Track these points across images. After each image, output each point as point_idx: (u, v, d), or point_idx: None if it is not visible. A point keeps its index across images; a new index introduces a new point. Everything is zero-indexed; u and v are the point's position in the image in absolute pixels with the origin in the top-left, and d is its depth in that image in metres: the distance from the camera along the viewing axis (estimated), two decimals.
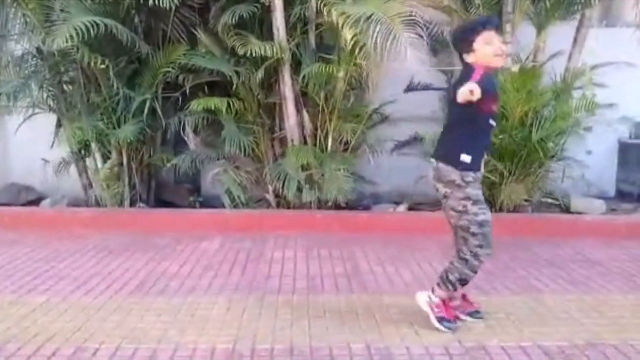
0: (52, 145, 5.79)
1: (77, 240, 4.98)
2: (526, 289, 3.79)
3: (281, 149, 5.84)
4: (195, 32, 5.33)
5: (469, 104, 2.63)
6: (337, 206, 5.65)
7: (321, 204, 5.63)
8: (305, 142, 5.68)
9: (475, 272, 3.00)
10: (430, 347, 2.84)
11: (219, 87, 5.57)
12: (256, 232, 5.24)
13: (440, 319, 3.04)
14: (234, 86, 5.24)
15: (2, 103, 5.58)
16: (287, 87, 5.47)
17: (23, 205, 6.20)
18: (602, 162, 6.48)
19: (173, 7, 4.78)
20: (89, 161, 5.73)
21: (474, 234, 2.89)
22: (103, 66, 4.96)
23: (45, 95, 5.54)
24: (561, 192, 5.87)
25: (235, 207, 5.59)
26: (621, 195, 6.51)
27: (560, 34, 5.68)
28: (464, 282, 3.02)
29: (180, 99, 5.52)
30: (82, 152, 5.61)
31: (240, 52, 4.98)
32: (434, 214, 5.58)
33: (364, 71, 5.50)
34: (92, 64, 4.94)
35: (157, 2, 4.44)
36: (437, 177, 2.95)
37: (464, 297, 3.22)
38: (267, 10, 5.26)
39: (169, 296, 3.61)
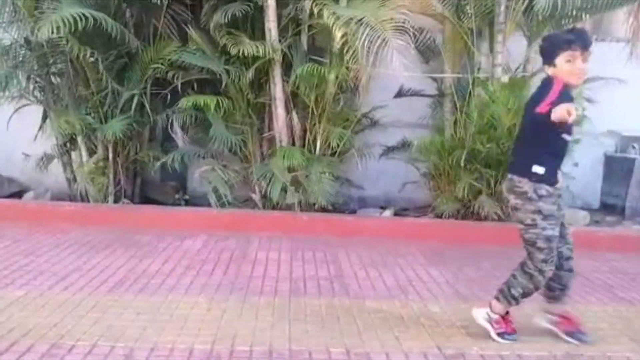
0: (36, 138, 5.70)
1: (58, 234, 4.91)
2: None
3: (269, 149, 5.82)
4: (187, 29, 5.29)
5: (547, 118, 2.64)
6: (323, 209, 5.64)
7: (308, 206, 5.61)
8: (294, 144, 5.67)
9: (538, 288, 2.98)
10: (409, 353, 2.83)
11: (209, 85, 5.54)
12: (241, 232, 5.21)
13: (501, 334, 3.04)
14: (224, 85, 5.20)
15: None
16: (277, 88, 5.45)
17: (5, 197, 6.11)
18: (587, 174, 6.54)
19: (165, 3, 4.73)
20: (74, 155, 5.66)
21: (540, 249, 2.85)
22: (92, 59, 4.91)
23: (32, 86, 5.46)
24: None
25: (221, 206, 5.56)
26: (605, 208, 6.57)
27: None
28: (526, 296, 3.00)
29: (169, 95, 5.47)
30: (68, 145, 5.54)
31: (233, 51, 4.96)
32: (419, 220, 5.61)
33: (354, 75, 5.51)
34: (81, 56, 4.89)
35: None
36: (509, 189, 2.96)
37: (564, 315, 3.13)
38: (260, 9, 5.25)
39: (148, 294, 3.56)
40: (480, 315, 3.10)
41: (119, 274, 3.92)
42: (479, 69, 5.66)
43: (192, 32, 5.22)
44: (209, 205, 5.76)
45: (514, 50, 5.72)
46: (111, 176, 5.53)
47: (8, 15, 5.39)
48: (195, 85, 5.54)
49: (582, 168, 6.34)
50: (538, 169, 2.81)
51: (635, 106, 6.31)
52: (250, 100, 5.50)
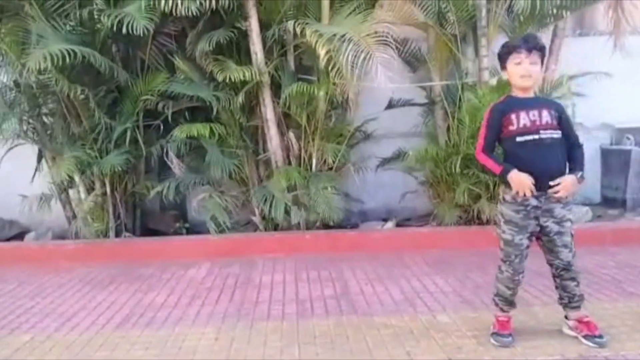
0: (33, 178, 5.70)
1: (62, 274, 4.90)
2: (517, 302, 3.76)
3: (266, 171, 5.83)
4: (173, 59, 5.32)
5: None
6: (324, 226, 5.63)
7: (309, 225, 5.60)
8: (290, 163, 5.68)
9: (509, 289, 3.06)
10: None
11: (201, 112, 5.56)
12: (244, 256, 5.20)
13: (493, 334, 3.12)
14: (215, 111, 5.22)
15: None
16: (268, 110, 5.47)
17: (7, 239, 6.10)
18: (586, 169, 6.48)
19: (150, 35, 4.77)
20: (72, 192, 5.66)
21: (500, 248, 3.03)
22: (82, 96, 4.93)
23: (25, 127, 5.48)
24: None
25: (221, 232, 5.55)
26: (606, 202, 6.56)
27: None
28: (500, 297, 3.10)
29: (161, 126, 5.49)
30: (65, 183, 5.54)
31: (219, 78, 4.98)
32: (421, 229, 5.60)
33: (343, 90, 5.53)
34: (71, 94, 4.91)
35: (131, 30, 4.40)
36: None
37: (580, 320, 3.12)
38: (244, 34, 5.28)
39: (155, 328, 3.54)
40: None
41: (125, 310, 3.90)
42: (466, 74, 5.69)
43: (179, 62, 5.25)
44: (208, 232, 5.76)
45: None
46: (111, 211, 5.52)
47: None
48: (187, 114, 5.55)
49: None
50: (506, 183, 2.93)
51: (625, 97, 6.34)
52: (243, 124, 5.52)
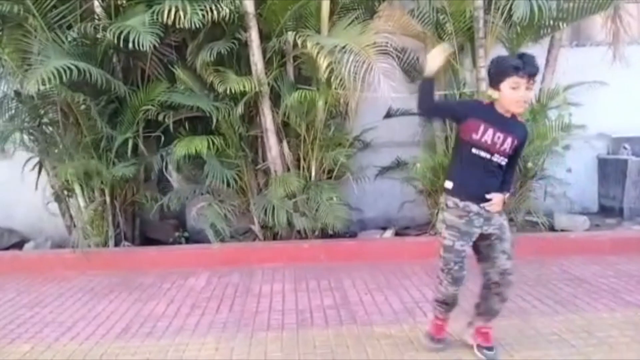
0: (37, 187, 5.71)
1: (61, 283, 4.90)
2: (514, 312, 3.79)
3: (265, 180, 5.84)
4: (174, 70, 5.35)
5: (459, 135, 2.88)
6: (324, 234, 5.65)
7: (307, 233, 5.62)
8: (288, 171, 5.69)
9: (447, 298, 3.04)
10: None
11: (200, 122, 5.58)
12: (243, 266, 5.21)
13: (425, 334, 3.20)
14: (215, 121, 5.24)
15: None
16: (267, 120, 5.50)
17: (6, 248, 6.10)
18: (582, 179, 6.58)
19: (150, 46, 4.79)
20: (71, 202, 5.67)
21: (440, 256, 2.98)
22: (84, 106, 4.96)
23: (25, 137, 5.49)
24: (544, 210, 5.93)
25: (221, 240, 5.57)
26: (604, 211, 6.60)
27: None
28: (438, 302, 3.10)
29: (162, 136, 5.50)
30: (65, 193, 5.56)
31: (220, 89, 5.01)
32: (420, 238, 5.62)
33: (342, 100, 5.57)
34: (73, 104, 4.92)
35: (136, 45, 4.43)
36: None
37: (479, 329, 3.17)
38: (244, 45, 5.32)
39: (156, 338, 3.56)
40: None
41: (125, 319, 3.91)
42: (464, 85, 5.72)
43: (180, 73, 5.27)
44: (209, 241, 5.77)
45: None
46: (110, 220, 5.53)
47: None
48: (187, 124, 5.57)
49: (576, 173, 6.40)
50: (447, 184, 2.97)
51: (621, 107, 6.41)
52: (242, 134, 5.54)
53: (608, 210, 6.53)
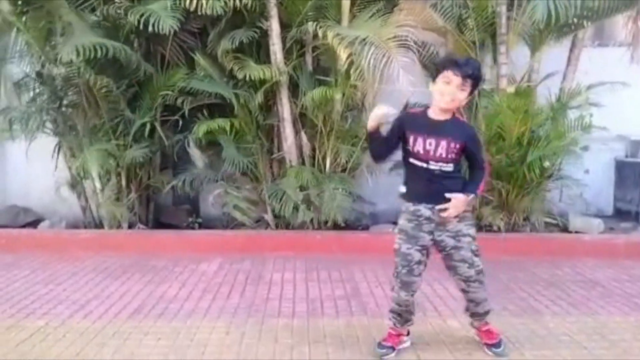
0: (56, 168, 5.78)
1: (75, 262, 4.96)
2: (526, 311, 3.78)
3: (279, 169, 5.86)
4: (194, 56, 5.37)
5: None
6: (336, 226, 5.66)
7: (320, 225, 5.63)
8: (304, 163, 5.71)
9: (399, 306, 3.00)
10: None
11: (218, 109, 5.60)
12: (255, 254, 5.23)
13: (378, 343, 3.08)
14: (234, 109, 5.26)
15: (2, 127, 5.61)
16: (285, 109, 5.51)
17: (22, 227, 6.18)
18: (599, 181, 6.52)
19: (171, 32, 4.82)
20: (87, 183, 5.72)
21: (395, 260, 2.98)
22: (106, 89, 4.99)
23: (45, 118, 5.54)
24: (559, 211, 5.89)
25: (234, 227, 5.61)
26: (619, 214, 6.53)
27: (554, 54, 5.76)
28: (393, 314, 3.05)
29: (180, 121, 5.54)
30: (82, 174, 5.61)
31: (239, 75, 5.02)
32: None
33: (360, 93, 5.56)
34: (96, 86, 4.96)
35: (156, 28, 4.45)
36: None
37: (479, 328, 3.15)
38: (265, 33, 5.32)
39: (168, 320, 3.59)
40: None
41: (138, 300, 3.95)
42: (483, 81, 5.67)
43: (200, 59, 5.29)
44: (222, 227, 5.82)
45: (517, 61, 5.75)
46: (125, 202, 5.58)
47: (19, 51, 5.49)
48: (205, 110, 5.59)
49: (593, 174, 6.33)
50: (402, 188, 2.97)
51: None
52: (260, 122, 5.56)
53: (623, 214, 6.46)
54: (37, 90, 5.49)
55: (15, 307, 3.81)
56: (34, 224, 6.26)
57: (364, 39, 4.67)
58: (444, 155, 2.79)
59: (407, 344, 3.11)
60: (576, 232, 5.70)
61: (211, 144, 5.59)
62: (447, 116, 2.84)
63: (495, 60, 5.60)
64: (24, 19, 5.16)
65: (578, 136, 5.26)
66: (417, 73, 5.34)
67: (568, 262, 4.98)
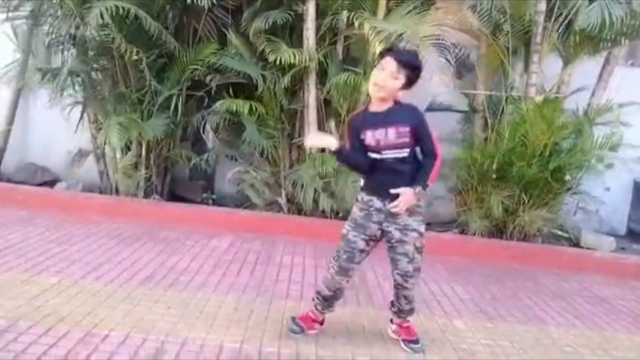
0: (76, 131, 5.84)
1: (89, 225, 5.02)
2: (531, 319, 3.80)
3: (298, 155, 5.87)
4: (227, 33, 5.38)
5: None
6: (346, 217, 5.66)
7: (332, 214, 5.65)
8: (323, 151, 5.72)
9: (329, 290, 3.01)
10: None
11: (243, 89, 5.61)
12: (266, 235, 5.26)
13: (292, 318, 3.16)
14: (260, 90, 5.27)
15: (31, 84, 5.67)
16: (311, 95, 5.51)
17: (38, 185, 6.26)
18: (615, 200, 6.48)
19: (206, 7, 4.83)
20: (107, 149, 5.78)
21: (339, 244, 2.98)
22: (136, 57, 5.02)
23: (74, 81, 5.59)
24: (572, 225, 5.87)
25: (247, 207, 5.64)
26: (632, 235, 6.50)
27: (585, 69, 5.72)
28: (319, 296, 3.08)
29: (206, 97, 5.56)
30: (103, 140, 5.66)
31: (271, 58, 5.02)
32: (443, 234, 5.61)
33: None
34: (127, 53, 4.99)
35: (195, 0, 4.47)
36: None
37: (400, 325, 3.16)
38: (299, 18, 5.32)
39: (178, 290, 3.63)
40: None
41: (149, 268, 4.00)
42: (512, 88, 5.66)
43: (233, 36, 5.30)
44: (235, 205, 5.86)
45: (548, 71, 5.71)
46: (143, 172, 5.63)
47: (54, 12, 5.52)
48: (230, 89, 5.61)
49: (610, 193, 6.29)
50: (361, 182, 2.99)
51: None
52: (284, 106, 5.57)
53: (636, 235, 6.43)
54: (69, 52, 5.51)
55: (29, 262, 3.87)
56: (51, 184, 6.34)
57: (400, 34, 4.66)
58: (394, 141, 2.79)
59: (315, 332, 3.13)
60: (587, 247, 5.68)
61: (234, 124, 5.61)
62: (389, 105, 2.84)
63: (526, 68, 5.56)
64: None
65: (604, 153, 5.22)
66: (450, 73, 5.32)
67: (576, 277, 4.98)
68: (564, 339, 3.48)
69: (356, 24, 4.96)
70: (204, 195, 6.10)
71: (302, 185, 5.41)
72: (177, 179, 6.33)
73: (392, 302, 3.11)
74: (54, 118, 6.21)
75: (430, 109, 6.04)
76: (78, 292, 3.41)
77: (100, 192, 5.96)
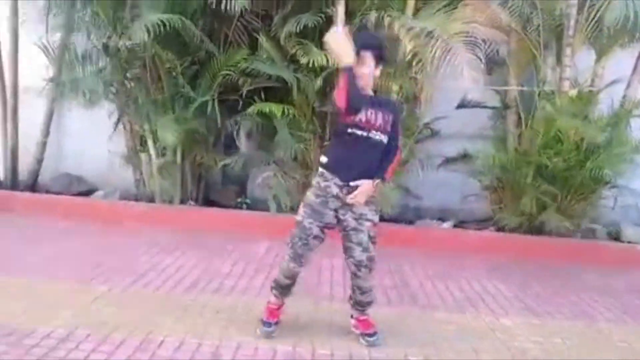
0: (111, 137, 5.93)
1: (130, 234, 5.10)
2: (579, 315, 3.76)
3: None
4: (258, 37, 5.42)
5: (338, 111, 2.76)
6: (380, 218, 5.64)
7: None
8: None
9: (286, 278, 3.01)
10: None
11: (274, 93, 5.64)
12: None
13: (260, 320, 3.08)
14: (292, 93, 5.30)
15: (65, 96, 5.78)
16: None
17: (74, 195, 6.37)
18: None
19: (238, 13, 4.88)
20: (143, 156, 5.86)
21: (290, 231, 2.97)
22: (169, 65, 5.09)
23: (107, 90, 5.69)
24: (611, 220, 5.79)
25: (280, 211, 5.67)
26: None
27: (619, 61, 5.63)
28: (276, 284, 3.07)
29: (240, 102, 5.60)
30: (137, 147, 5.75)
31: (303, 60, 5.04)
32: (482, 232, 5.58)
33: (418, 85, 5.54)
34: (162, 61, 5.06)
35: (227, 6, 4.52)
36: None
37: (358, 318, 3.13)
38: (329, 20, 5.34)
39: (223, 295, 3.67)
40: None
41: (193, 274, 4.05)
42: (544, 82, 5.60)
43: (264, 41, 5.33)
44: (267, 210, 5.89)
45: (581, 64, 5.64)
46: (178, 178, 5.70)
47: (87, 23, 5.63)
48: (262, 93, 5.64)
49: None
50: (322, 159, 2.92)
51: None
52: (315, 108, 5.59)
53: None
54: (102, 62, 5.61)
55: (78, 272, 3.94)
56: (87, 193, 6.45)
57: (430, 32, 4.65)
58: (382, 125, 2.83)
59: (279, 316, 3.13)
60: (627, 242, 5.60)
61: (266, 128, 5.65)
62: (369, 92, 2.86)
63: (558, 62, 5.50)
64: None
65: None
66: (481, 70, 5.29)
67: (619, 271, 4.91)
68: (615, 335, 3.44)
69: (385, 23, 4.96)
70: (238, 200, 6.15)
71: None
72: (210, 184, 6.40)
73: (349, 296, 3.12)
74: (87, 128, 6.34)
75: (462, 105, 6.03)
76: (128, 300, 3.46)
77: (136, 200, 6.05)
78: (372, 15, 5.18)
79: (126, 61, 5.49)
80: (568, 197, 5.25)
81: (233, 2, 4.51)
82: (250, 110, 5.28)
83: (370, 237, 2.93)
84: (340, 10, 5.23)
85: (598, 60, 5.58)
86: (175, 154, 5.65)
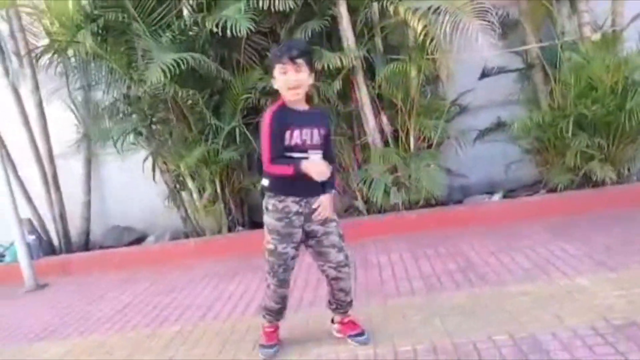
0: (154, 180, 6.05)
1: (186, 270, 5.18)
2: None
3: (363, 155, 5.87)
4: (268, 55, 5.44)
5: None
6: (427, 204, 5.61)
7: (411, 205, 5.59)
8: (387, 145, 5.70)
9: (277, 304, 2.99)
10: (577, 329, 2.75)
11: None
12: (353, 241, 5.19)
13: (259, 346, 3.09)
14: (314, 101, 5.31)
15: (97, 151, 5.94)
16: (362, 93, 5.52)
17: (127, 245, 6.52)
18: None
19: (245, 36, 4.92)
20: (185, 194, 5.96)
21: (266, 260, 2.92)
22: (190, 101, 5.18)
23: (137, 137, 5.82)
24: None
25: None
26: None
27: None
28: (267, 311, 3.05)
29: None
30: (177, 186, 5.85)
31: (317, 66, 5.05)
32: (533, 197, 5.45)
33: (436, 64, 5.47)
34: (184, 98, 5.15)
35: (234, 31, 4.56)
36: None
37: (342, 321, 3.10)
38: (334, 22, 5.34)
39: (292, 311, 3.65)
40: None
41: (257, 298, 4.05)
42: (563, 33, 5.46)
43: None
44: None
45: (596, 7, 5.47)
46: (222, 207, 5.78)
47: (104, 77, 5.78)
48: None
49: None
50: (264, 181, 2.88)
51: None
52: (340, 110, 5.59)
53: None
54: (126, 112, 5.75)
55: (147, 317, 4.04)
56: (138, 241, 6.60)
57: (437, 9, 4.60)
58: (318, 142, 2.80)
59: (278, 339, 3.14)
60: None
61: None
62: (306, 105, 2.86)
63: (573, 9, 5.35)
64: (105, 47, 5.42)
65: None
66: (496, 35, 5.19)
67: None
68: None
69: (390, 10, 4.93)
70: None
71: (372, 183, 5.39)
72: (253, 206, 6.45)
73: (329, 301, 3.09)
74: (125, 177, 6.49)
75: (485, 75, 5.92)
76: (202, 334, 3.51)
77: (187, 237, 6.15)
78: (375, 7, 5.16)
79: (149, 106, 5.61)
80: (614, 143, 5.07)
81: (238, 26, 4.53)
82: None
83: (340, 235, 2.93)
84: (343, 9, 5.22)
85: None
86: (214, 185, 5.72)
